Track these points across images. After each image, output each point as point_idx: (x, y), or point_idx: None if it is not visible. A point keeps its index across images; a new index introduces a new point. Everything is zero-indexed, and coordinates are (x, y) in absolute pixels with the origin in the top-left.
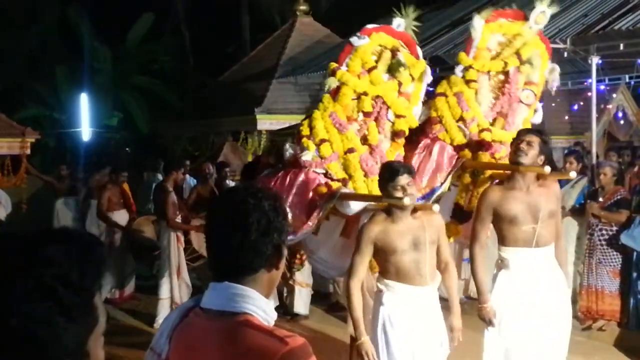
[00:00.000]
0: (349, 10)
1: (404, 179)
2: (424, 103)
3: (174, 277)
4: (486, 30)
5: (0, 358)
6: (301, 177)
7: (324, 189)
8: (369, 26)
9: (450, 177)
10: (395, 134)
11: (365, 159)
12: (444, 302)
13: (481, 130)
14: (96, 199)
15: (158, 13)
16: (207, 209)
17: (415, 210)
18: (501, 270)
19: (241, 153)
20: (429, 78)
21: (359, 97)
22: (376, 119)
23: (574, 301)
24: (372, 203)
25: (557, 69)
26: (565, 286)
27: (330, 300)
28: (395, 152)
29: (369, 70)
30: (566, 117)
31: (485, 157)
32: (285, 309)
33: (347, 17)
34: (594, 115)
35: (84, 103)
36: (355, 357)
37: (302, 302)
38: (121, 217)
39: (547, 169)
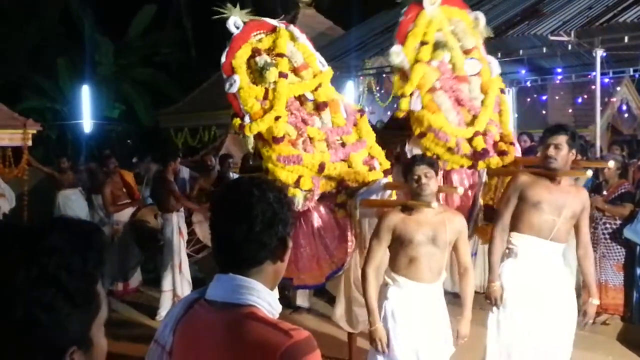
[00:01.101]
0: (352, 3)
1: (420, 169)
2: (409, 138)
3: (176, 270)
4: (407, 51)
5: (6, 346)
6: (315, 219)
7: (342, 197)
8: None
9: (480, 193)
10: (318, 107)
11: (334, 156)
12: (450, 296)
13: (470, 140)
14: (99, 194)
15: (160, 5)
16: (211, 201)
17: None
18: (509, 259)
19: (243, 145)
20: (302, 35)
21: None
22: (303, 120)
23: (578, 295)
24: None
25: (481, 16)
26: (571, 283)
27: (331, 293)
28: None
29: (264, 96)
30: (570, 110)
31: (495, 159)
32: (287, 302)
33: (350, 10)
34: (598, 108)
35: (85, 95)
36: (355, 349)
37: (303, 295)
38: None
39: (589, 173)
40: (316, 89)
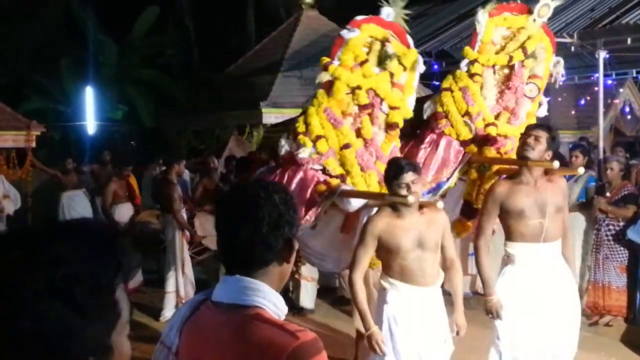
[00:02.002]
0: (355, 4)
1: (409, 177)
2: (430, 98)
3: (179, 272)
4: (490, 24)
5: (17, 356)
6: (299, 174)
7: (323, 187)
8: (358, 18)
9: (456, 172)
10: (389, 126)
11: (361, 153)
12: (448, 296)
13: (487, 125)
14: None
15: (163, 6)
16: (215, 203)
17: (420, 207)
18: (507, 266)
19: (246, 147)
20: (421, 67)
21: (352, 91)
22: (370, 113)
23: (580, 296)
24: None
25: (562, 62)
26: (573, 282)
27: (335, 294)
28: (390, 145)
29: (361, 64)
30: (573, 112)
31: (491, 152)
32: (291, 303)
33: (353, 11)
34: (601, 110)
35: (89, 96)
36: (362, 351)
37: (308, 297)
38: (126, 209)
39: (556, 164)
40: (394, 108)
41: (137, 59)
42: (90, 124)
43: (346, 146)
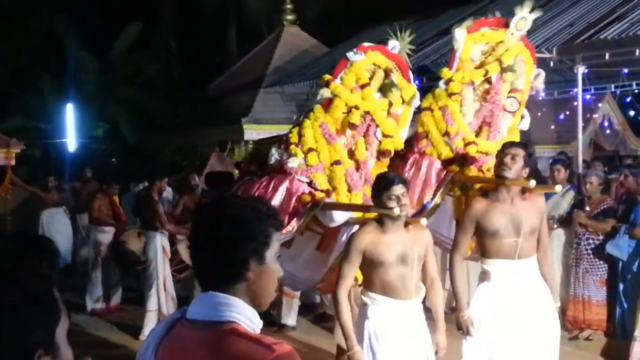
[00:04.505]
0: (336, 21)
1: (398, 189)
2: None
3: (161, 289)
4: (469, 41)
5: None
6: (285, 183)
7: (308, 198)
8: (365, 44)
9: (440, 192)
10: (381, 153)
11: (351, 172)
12: (429, 313)
13: (467, 144)
14: (86, 212)
15: (145, 23)
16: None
17: (406, 223)
18: (483, 282)
19: (228, 163)
20: (417, 102)
21: (349, 111)
22: (364, 136)
23: (563, 312)
24: (354, 215)
25: (543, 74)
26: (550, 298)
27: (317, 311)
28: (379, 171)
29: (362, 87)
30: (552, 127)
31: (472, 170)
32: (272, 320)
33: (334, 27)
34: (580, 124)
35: (69, 113)
36: None
37: (289, 313)
38: (110, 230)
39: (532, 183)
40: (387, 137)
41: (119, 75)
42: (71, 141)
43: (337, 162)
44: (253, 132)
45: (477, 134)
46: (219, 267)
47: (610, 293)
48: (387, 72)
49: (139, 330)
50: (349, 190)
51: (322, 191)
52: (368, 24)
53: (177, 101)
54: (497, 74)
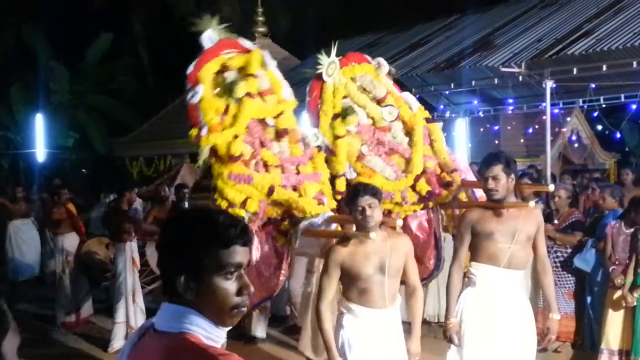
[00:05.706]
0: (307, 32)
1: (364, 200)
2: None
3: (129, 301)
4: (324, 120)
5: None
6: (256, 244)
7: (286, 225)
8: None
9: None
10: (279, 134)
11: (286, 178)
12: (406, 325)
13: (413, 187)
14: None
15: (116, 33)
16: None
17: (381, 224)
18: (467, 288)
19: (198, 172)
20: (273, 62)
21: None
22: (262, 144)
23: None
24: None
25: (381, 60)
26: (530, 311)
27: (287, 323)
28: (297, 146)
29: (225, 111)
30: (522, 140)
31: (443, 194)
32: (242, 332)
33: (306, 39)
34: (549, 138)
35: (39, 123)
36: None
37: (259, 326)
38: (71, 240)
39: (532, 204)
40: (278, 116)
41: (89, 85)
42: (40, 151)
43: (271, 190)
44: None
45: (406, 168)
46: (171, 279)
47: (578, 305)
48: (221, 72)
49: (107, 343)
50: (296, 190)
51: (282, 218)
52: (339, 37)
53: (148, 111)
54: (353, 125)
